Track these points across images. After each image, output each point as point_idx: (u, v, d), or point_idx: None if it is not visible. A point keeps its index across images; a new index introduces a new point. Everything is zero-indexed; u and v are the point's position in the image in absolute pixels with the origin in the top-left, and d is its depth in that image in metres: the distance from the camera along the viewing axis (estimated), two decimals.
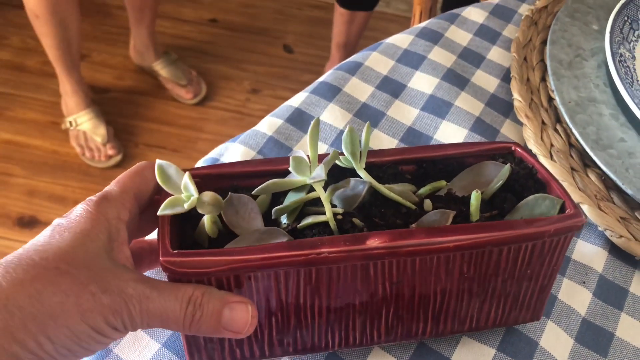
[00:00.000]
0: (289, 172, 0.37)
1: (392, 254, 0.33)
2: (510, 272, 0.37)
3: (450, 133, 0.54)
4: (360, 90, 0.57)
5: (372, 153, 0.41)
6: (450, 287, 0.36)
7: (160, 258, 0.32)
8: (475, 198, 0.36)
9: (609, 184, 0.50)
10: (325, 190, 0.35)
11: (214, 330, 0.32)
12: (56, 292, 0.28)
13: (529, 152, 0.41)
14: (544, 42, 0.61)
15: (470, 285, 0.37)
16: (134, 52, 1.67)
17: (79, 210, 0.32)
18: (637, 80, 0.54)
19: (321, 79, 0.57)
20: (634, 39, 0.58)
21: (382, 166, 0.40)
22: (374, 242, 0.33)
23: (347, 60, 0.60)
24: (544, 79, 0.58)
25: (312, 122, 0.36)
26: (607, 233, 0.47)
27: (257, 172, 0.38)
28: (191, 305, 0.31)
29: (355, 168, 0.38)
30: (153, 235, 0.42)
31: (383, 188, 0.38)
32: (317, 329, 0.36)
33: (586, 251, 0.47)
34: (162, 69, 1.64)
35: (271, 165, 0.39)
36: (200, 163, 0.50)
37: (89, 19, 1.81)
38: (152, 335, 0.40)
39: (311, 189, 0.36)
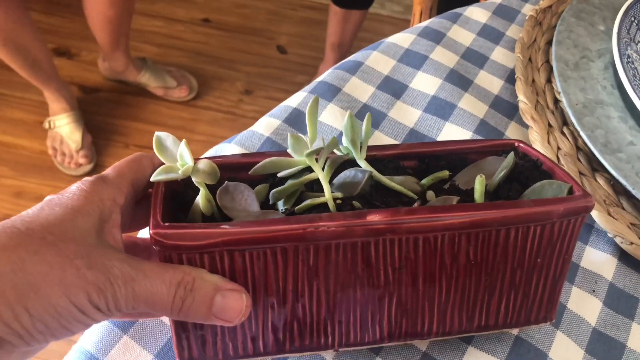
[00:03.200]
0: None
1: (394, 229, 0.31)
2: (519, 260, 0.34)
3: (453, 135, 0.52)
4: (361, 90, 0.55)
5: (372, 147, 0.39)
6: (456, 276, 0.34)
7: (150, 231, 0.30)
8: (479, 183, 0.35)
9: (618, 189, 0.48)
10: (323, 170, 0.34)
11: (204, 317, 0.31)
12: (40, 262, 0.27)
13: (533, 148, 0.40)
14: (549, 43, 0.59)
15: (478, 274, 0.34)
16: (112, 72, 1.61)
17: (73, 188, 0.31)
18: None
19: (320, 78, 0.56)
20: None
21: (382, 160, 0.39)
22: (374, 217, 0.31)
23: (347, 59, 0.58)
24: (549, 80, 0.56)
25: (311, 100, 0.34)
26: (617, 240, 0.45)
27: (256, 164, 0.36)
28: (181, 289, 0.29)
29: (355, 157, 0.36)
30: (145, 233, 0.40)
31: (384, 178, 0.36)
32: (315, 322, 0.34)
33: (595, 259, 0.46)
34: (147, 79, 1.60)
35: (271, 157, 0.37)
36: None
37: (78, 18, 1.78)
38: (144, 345, 0.38)
39: (310, 172, 0.35)
